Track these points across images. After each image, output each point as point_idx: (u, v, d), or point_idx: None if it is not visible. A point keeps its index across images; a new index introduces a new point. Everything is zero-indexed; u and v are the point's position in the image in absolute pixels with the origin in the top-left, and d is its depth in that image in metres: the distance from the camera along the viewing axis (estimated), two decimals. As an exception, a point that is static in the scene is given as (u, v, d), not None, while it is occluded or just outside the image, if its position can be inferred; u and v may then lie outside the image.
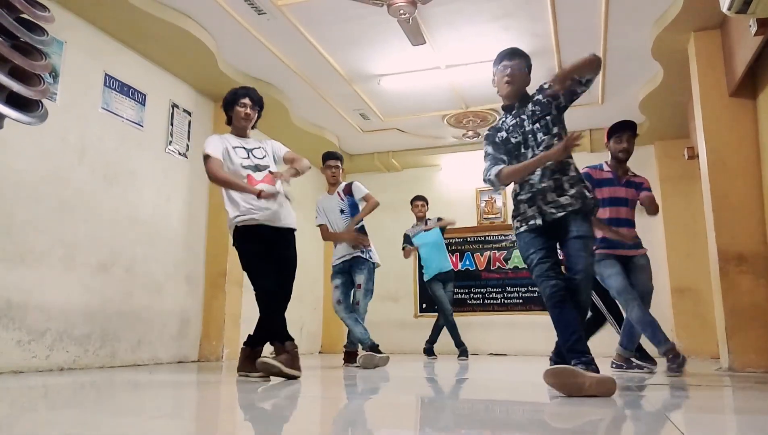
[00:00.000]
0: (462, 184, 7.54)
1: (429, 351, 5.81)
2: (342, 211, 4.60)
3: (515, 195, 2.79)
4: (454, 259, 7.47)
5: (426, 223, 5.90)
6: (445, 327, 5.74)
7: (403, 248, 5.86)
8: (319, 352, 7.43)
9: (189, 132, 5.22)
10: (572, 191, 2.63)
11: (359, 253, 4.51)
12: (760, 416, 1.95)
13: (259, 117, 3.51)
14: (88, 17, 4.14)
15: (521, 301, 7.05)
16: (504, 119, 2.86)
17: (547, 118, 2.73)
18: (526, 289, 7.03)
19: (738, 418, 1.97)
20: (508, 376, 3.62)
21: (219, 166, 3.21)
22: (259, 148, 3.43)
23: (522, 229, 2.72)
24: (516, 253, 7.18)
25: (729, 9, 3.01)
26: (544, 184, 2.66)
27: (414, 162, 7.72)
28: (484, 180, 2.81)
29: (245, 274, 5.45)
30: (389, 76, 5.46)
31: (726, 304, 4.00)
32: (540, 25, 4.55)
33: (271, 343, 3.25)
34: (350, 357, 4.55)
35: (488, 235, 7.38)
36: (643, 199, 3.74)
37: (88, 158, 4.11)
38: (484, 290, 7.24)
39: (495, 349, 6.47)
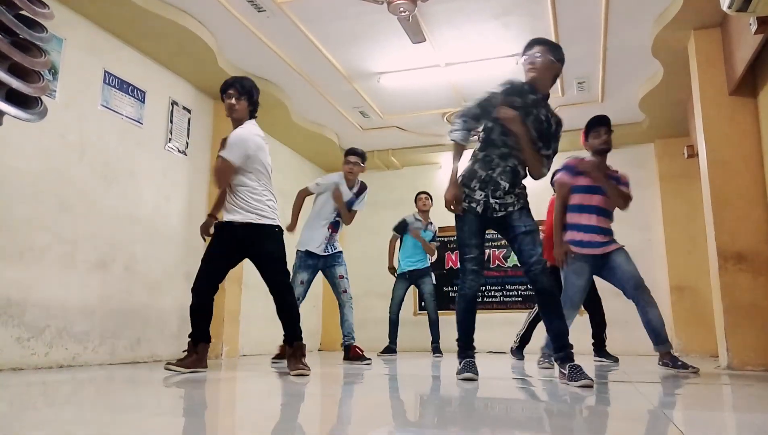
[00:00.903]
0: (462, 182, 7.52)
1: (435, 349, 5.86)
2: (350, 204, 4.66)
3: (476, 158, 2.93)
4: (453, 257, 7.50)
5: (428, 224, 5.97)
6: (430, 325, 5.88)
7: (394, 238, 6.04)
8: (318, 350, 7.44)
9: (188, 129, 5.21)
10: (518, 192, 2.87)
11: (332, 251, 4.54)
12: (758, 414, 1.95)
13: (254, 106, 3.43)
14: (87, 14, 4.14)
15: (520, 299, 7.06)
16: (529, 91, 2.86)
17: (538, 143, 2.85)
18: (525, 287, 7.03)
19: (736, 416, 1.97)
20: (506, 373, 3.63)
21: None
22: None
23: (463, 204, 2.91)
24: (515, 251, 7.18)
25: (729, 7, 3.00)
26: (501, 180, 2.84)
27: (414, 160, 7.72)
28: (454, 122, 2.91)
29: (244, 271, 5.48)
30: (389, 73, 5.45)
31: (725, 302, 4.00)
32: (540, 22, 4.54)
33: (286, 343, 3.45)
34: (349, 352, 4.53)
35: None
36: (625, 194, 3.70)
37: (88, 156, 4.10)
38: (483, 288, 7.24)
39: (494, 347, 6.47)
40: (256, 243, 3.34)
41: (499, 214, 2.85)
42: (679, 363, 3.52)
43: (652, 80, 5.42)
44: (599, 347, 4.62)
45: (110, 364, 4.08)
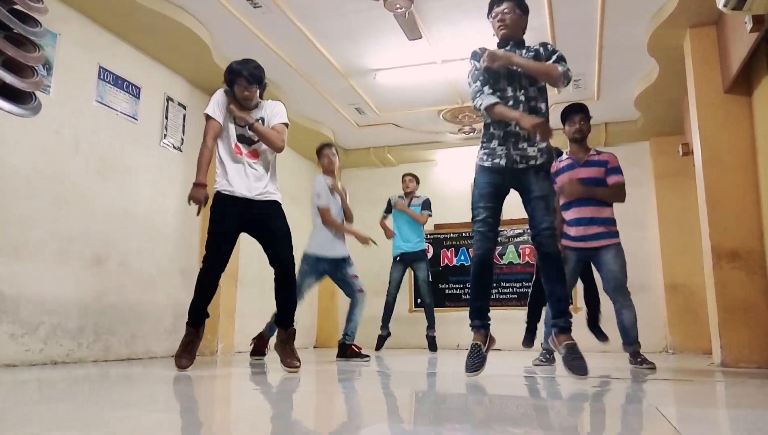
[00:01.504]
0: (457, 180, 7.54)
1: (431, 343, 5.87)
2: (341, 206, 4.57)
3: (487, 125, 2.92)
4: (449, 254, 7.51)
5: (412, 199, 5.98)
6: (425, 309, 5.89)
7: (383, 217, 6.02)
8: (314, 347, 7.44)
9: (184, 126, 5.19)
10: (542, 145, 2.83)
11: (347, 253, 4.51)
12: (751, 410, 1.96)
13: (262, 89, 3.44)
14: (82, 9, 4.11)
15: (515, 296, 7.07)
16: (497, 47, 2.94)
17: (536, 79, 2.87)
18: (520, 284, 7.05)
19: (729, 413, 1.98)
20: (502, 370, 3.64)
21: (211, 135, 3.29)
22: (261, 118, 3.40)
23: (486, 164, 2.90)
24: (510, 248, 7.20)
25: (725, 6, 3.01)
26: (519, 130, 2.82)
27: (410, 157, 7.72)
28: (473, 100, 2.90)
29: (239, 268, 5.44)
30: (385, 70, 5.45)
31: (719, 300, 4.02)
32: (536, 19, 4.53)
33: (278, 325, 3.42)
34: (343, 350, 4.54)
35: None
36: (611, 186, 3.71)
37: (83, 151, 4.08)
38: (478, 285, 7.25)
39: (489, 344, 6.48)
40: (267, 219, 3.34)
41: (520, 165, 2.82)
42: (639, 359, 3.59)
43: (648, 78, 5.43)
44: (592, 322, 4.50)
45: (105, 360, 4.07)
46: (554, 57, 2.85)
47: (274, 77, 5.49)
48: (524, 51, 2.91)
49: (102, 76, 4.30)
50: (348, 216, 4.64)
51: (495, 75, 2.86)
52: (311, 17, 4.52)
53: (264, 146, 3.38)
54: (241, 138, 3.35)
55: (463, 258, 7.44)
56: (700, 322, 5.45)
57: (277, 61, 5.15)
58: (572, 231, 3.72)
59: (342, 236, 4.51)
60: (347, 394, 2.51)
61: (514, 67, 2.83)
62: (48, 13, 2.75)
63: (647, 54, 4.88)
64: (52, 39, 3.83)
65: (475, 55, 2.94)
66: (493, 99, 2.81)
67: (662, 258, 6.35)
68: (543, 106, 2.89)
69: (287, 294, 3.35)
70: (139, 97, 4.67)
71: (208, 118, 3.32)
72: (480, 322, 2.90)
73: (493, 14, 2.94)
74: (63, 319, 3.80)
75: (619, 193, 3.69)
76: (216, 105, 3.34)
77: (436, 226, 7.43)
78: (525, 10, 2.95)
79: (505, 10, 2.89)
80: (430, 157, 7.73)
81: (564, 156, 3.89)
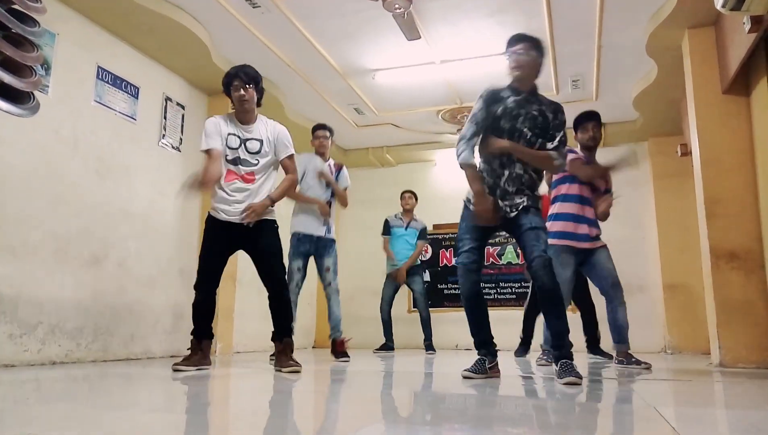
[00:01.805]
0: (456, 180, 7.49)
1: (428, 346, 5.88)
2: (327, 185, 4.55)
3: (480, 170, 2.91)
4: (447, 255, 7.50)
5: (410, 222, 5.99)
6: (422, 323, 5.91)
7: (386, 241, 6.03)
8: (313, 347, 7.44)
9: (182, 126, 5.19)
10: (528, 192, 2.85)
11: (325, 234, 4.46)
12: (749, 411, 1.96)
13: (260, 93, 3.40)
14: (80, 9, 4.11)
15: (514, 296, 7.07)
16: (509, 95, 2.91)
17: (540, 139, 2.85)
18: (519, 284, 7.05)
19: (728, 413, 1.99)
20: (501, 371, 3.63)
21: (211, 164, 3.23)
22: (259, 139, 3.35)
23: (472, 208, 2.88)
24: (509, 248, 7.20)
25: (723, 6, 3.02)
26: (508, 187, 2.85)
27: (408, 157, 7.72)
28: (457, 143, 2.89)
29: (238, 268, 5.44)
30: (384, 70, 5.45)
31: (717, 300, 4.03)
32: (535, 20, 4.55)
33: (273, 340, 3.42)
34: (335, 346, 4.53)
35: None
36: (600, 203, 3.81)
37: (81, 151, 4.08)
38: (477, 286, 7.25)
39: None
40: (257, 237, 3.33)
41: (511, 214, 2.84)
42: (633, 360, 3.65)
43: (646, 79, 5.43)
44: (593, 345, 4.61)
45: (103, 360, 4.07)
46: (558, 136, 2.84)
47: (273, 77, 5.49)
48: (535, 103, 2.88)
49: (100, 76, 4.30)
50: (341, 200, 4.60)
51: (498, 131, 2.85)
52: (310, 17, 4.52)
53: (263, 167, 3.36)
54: (235, 161, 3.31)
55: (461, 258, 7.44)
56: (699, 323, 5.46)
57: (275, 61, 5.15)
58: (574, 227, 3.74)
59: (324, 220, 4.47)
60: (346, 394, 2.51)
61: (517, 120, 2.85)
62: (46, 12, 2.75)
63: (646, 54, 4.88)
64: (51, 39, 3.83)
65: (483, 96, 2.92)
66: (470, 159, 2.82)
67: (661, 258, 6.35)
68: (533, 172, 2.87)
69: (280, 312, 3.36)
70: (137, 97, 4.67)
71: (205, 152, 3.29)
72: (486, 351, 2.93)
73: (509, 52, 2.93)
74: (61, 320, 3.79)
75: (605, 211, 3.86)
76: (206, 135, 3.28)
77: (435, 227, 7.42)
78: (541, 52, 2.92)
79: (521, 51, 2.88)
80: (428, 157, 7.73)
81: (577, 151, 3.90)
